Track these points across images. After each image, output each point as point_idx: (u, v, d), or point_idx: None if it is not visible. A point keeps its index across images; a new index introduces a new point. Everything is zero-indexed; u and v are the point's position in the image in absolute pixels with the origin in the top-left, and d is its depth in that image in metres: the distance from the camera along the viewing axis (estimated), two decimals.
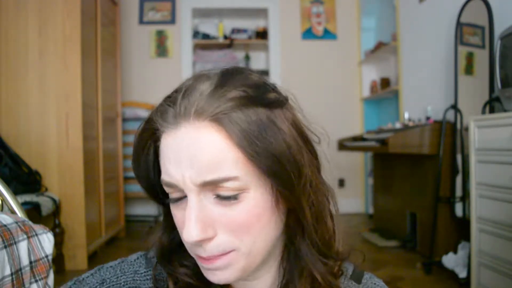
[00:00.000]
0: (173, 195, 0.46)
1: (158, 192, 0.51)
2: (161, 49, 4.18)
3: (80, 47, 2.54)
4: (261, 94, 0.44)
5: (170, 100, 0.45)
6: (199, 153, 0.42)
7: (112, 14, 3.32)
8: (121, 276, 0.52)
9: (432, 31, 3.07)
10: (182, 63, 4.20)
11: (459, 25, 2.57)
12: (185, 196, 0.44)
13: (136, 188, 3.73)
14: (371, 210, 3.95)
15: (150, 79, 4.15)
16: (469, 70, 2.58)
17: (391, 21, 3.82)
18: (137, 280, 0.52)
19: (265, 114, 0.43)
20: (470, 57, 2.57)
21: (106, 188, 3.01)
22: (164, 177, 0.45)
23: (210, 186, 0.42)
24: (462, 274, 2.17)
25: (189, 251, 0.47)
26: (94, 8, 2.89)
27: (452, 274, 2.26)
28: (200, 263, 0.46)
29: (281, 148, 0.43)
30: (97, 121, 2.90)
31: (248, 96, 0.43)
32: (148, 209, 3.97)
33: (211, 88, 0.43)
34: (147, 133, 0.47)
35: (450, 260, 2.33)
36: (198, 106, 0.42)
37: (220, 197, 0.43)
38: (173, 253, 0.53)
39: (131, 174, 3.71)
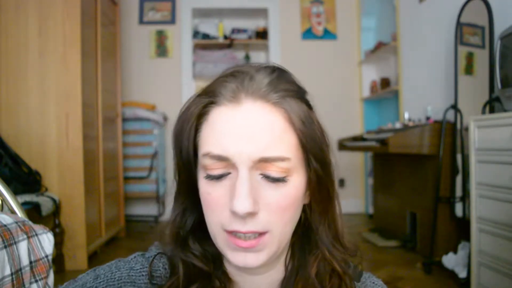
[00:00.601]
0: (214, 171, 0.47)
1: (191, 169, 0.51)
2: (161, 49, 4.19)
3: (80, 47, 2.54)
4: (303, 92, 0.51)
5: (236, 79, 0.48)
6: (263, 130, 0.45)
7: (112, 14, 3.32)
8: (116, 272, 0.52)
9: (432, 31, 3.07)
10: (182, 63, 4.20)
11: (459, 25, 2.57)
12: (229, 173, 0.47)
13: (136, 188, 3.73)
14: (371, 210, 3.95)
15: (150, 79, 4.15)
16: (469, 70, 2.58)
17: (391, 21, 3.82)
18: (132, 275, 0.52)
19: (307, 110, 0.49)
20: (470, 57, 2.57)
21: (106, 188, 3.01)
22: (214, 150, 0.46)
23: (264, 163, 0.45)
24: (462, 274, 2.17)
25: (218, 231, 0.48)
26: (94, 8, 2.89)
27: (452, 274, 2.26)
28: (231, 244, 0.47)
29: (321, 140, 0.49)
30: (97, 121, 2.90)
31: (297, 91, 0.49)
32: (148, 209, 3.97)
33: (269, 79, 0.48)
34: (199, 105, 0.49)
35: (450, 260, 2.33)
36: (262, 90, 0.47)
37: (269, 178, 0.46)
38: (186, 238, 0.54)
39: (131, 174, 3.72)
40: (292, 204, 0.48)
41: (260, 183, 0.46)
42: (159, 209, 3.96)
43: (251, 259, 0.47)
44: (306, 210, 0.54)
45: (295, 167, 0.48)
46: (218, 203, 0.47)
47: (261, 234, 0.46)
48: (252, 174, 0.46)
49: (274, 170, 0.46)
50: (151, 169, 3.71)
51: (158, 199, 3.82)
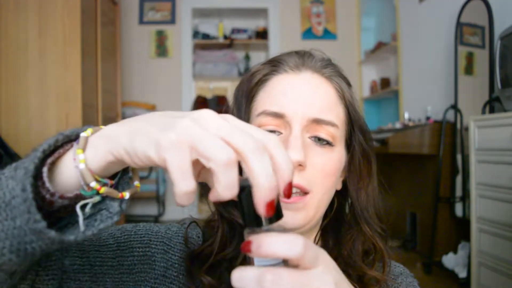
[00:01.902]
0: (267, 127, 0.51)
1: None
2: (161, 49, 4.18)
3: (80, 47, 2.54)
4: (349, 83, 0.58)
5: (298, 54, 0.55)
6: (318, 95, 0.52)
7: (112, 14, 3.31)
8: (154, 227, 0.57)
9: (432, 31, 3.07)
10: (182, 63, 4.20)
11: (459, 25, 2.57)
12: (280, 133, 0.51)
13: None
14: None
15: (150, 79, 4.15)
16: (469, 70, 2.58)
17: (391, 21, 3.82)
18: (168, 233, 0.56)
19: (353, 93, 0.57)
20: (470, 57, 2.57)
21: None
22: (271, 107, 0.51)
23: (316, 125, 0.50)
24: (462, 274, 2.17)
25: None
26: (94, 8, 2.89)
27: (452, 274, 2.26)
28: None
29: (363, 119, 0.56)
30: (97, 121, 2.90)
31: (345, 77, 0.57)
32: (148, 209, 3.97)
33: (324, 60, 0.56)
34: (262, 72, 0.54)
35: (450, 260, 2.33)
36: (318, 65, 0.54)
37: (318, 140, 0.51)
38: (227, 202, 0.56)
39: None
40: (334, 173, 0.52)
41: (309, 145, 0.50)
42: (159, 209, 3.96)
43: (290, 218, 0.49)
44: (339, 196, 0.57)
45: (340, 139, 0.53)
46: None
47: (303, 194, 0.49)
48: (303, 135, 0.50)
49: (323, 133, 0.51)
50: (151, 169, 3.70)
51: (158, 199, 3.81)
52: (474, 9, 2.45)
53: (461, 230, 2.43)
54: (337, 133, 0.52)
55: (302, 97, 0.51)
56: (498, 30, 2.18)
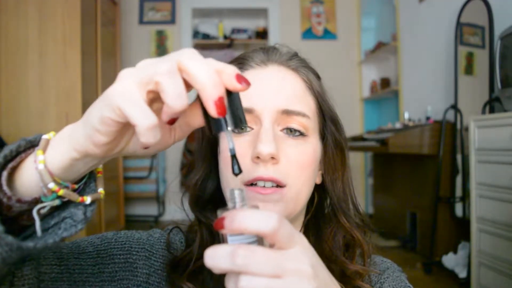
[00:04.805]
0: None
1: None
2: (161, 49, 4.18)
3: (80, 46, 2.54)
4: (318, 75, 0.58)
5: (263, 50, 0.55)
6: (286, 87, 0.51)
7: (112, 14, 3.32)
8: (136, 233, 0.56)
9: (432, 31, 3.07)
10: None
11: (459, 25, 2.57)
12: (251, 129, 0.50)
13: (136, 188, 3.73)
14: (371, 210, 3.95)
15: None
16: (469, 70, 2.58)
17: (391, 21, 3.82)
18: (150, 240, 0.55)
19: (321, 84, 0.57)
20: (470, 57, 2.57)
21: (106, 188, 2.99)
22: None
23: (286, 117, 0.50)
24: (462, 274, 2.17)
25: (234, 184, 0.49)
26: (94, 8, 2.89)
27: (452, 274, 2.26)
28: (253, 194, 0.48)
29: (334, 108, 0.57)
30: None
31: (313, 69, 0.57)
32: (148, 209, 3.97)
33: (290, 53, 0.56)
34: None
35: (450, 260, 2.33)
36: (283, 57, 0.54)
37: (290, 131, 0.50)
38: (205, 205, 0.55)
39: (131, 174, 3.72)
40: (310, 165, 0.51)
41: (282, 138, 0.49)
42: (159, 209, 3.96)
43: (270, 210, 0.47)
44: (319, 191, 0.56)
45: (313, 130, 0.52)
46: (240, 154, 0.47)
47: (279, 187, 0.48)
48: (274, 128, 0.49)
49: (295, 124, 0.50)
50: (151, 169, 3.71)
51: (158, 199, 3.81)
52: (474, 9, 2.45)
53: (461, 230, 2.43)
54: (309, 123, 0.51)
55: (270, 90, 0.50)
56: (498, 30, 2.18)
